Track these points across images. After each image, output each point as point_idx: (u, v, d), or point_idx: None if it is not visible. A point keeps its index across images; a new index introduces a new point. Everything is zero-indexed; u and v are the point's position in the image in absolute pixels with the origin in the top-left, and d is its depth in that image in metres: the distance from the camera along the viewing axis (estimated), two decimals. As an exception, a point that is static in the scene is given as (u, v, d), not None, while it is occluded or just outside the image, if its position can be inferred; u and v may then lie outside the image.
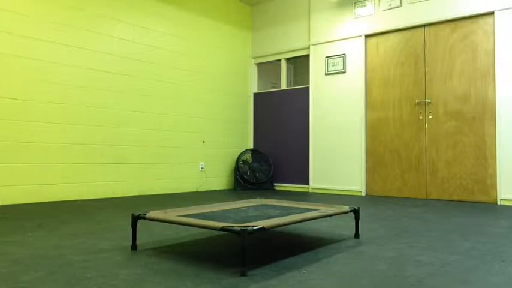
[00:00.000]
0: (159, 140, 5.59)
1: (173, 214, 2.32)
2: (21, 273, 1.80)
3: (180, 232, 2.76)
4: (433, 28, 5.15)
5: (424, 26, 5.21)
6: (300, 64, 7.42)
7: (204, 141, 6.19)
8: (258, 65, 7.13)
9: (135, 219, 2.26)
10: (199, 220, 2.10)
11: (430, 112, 5.13)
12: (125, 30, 5.24)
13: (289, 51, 6.60)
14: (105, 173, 4.98)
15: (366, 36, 5.69)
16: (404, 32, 5.37)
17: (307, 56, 6.36)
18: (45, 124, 4.48)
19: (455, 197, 4.91)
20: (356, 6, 5.77)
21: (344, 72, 5.85)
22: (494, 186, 4.65)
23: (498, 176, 4.60)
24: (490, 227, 3.07)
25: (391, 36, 5.48)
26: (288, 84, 6.75)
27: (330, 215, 2.49)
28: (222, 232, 2.73)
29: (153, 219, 2.19)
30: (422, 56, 5.21)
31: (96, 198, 4.87)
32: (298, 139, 6.34)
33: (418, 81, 5.23)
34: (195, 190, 6.03)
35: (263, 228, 1.92)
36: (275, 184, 6.56)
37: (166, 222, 2.19)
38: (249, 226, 1.87)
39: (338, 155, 5.86)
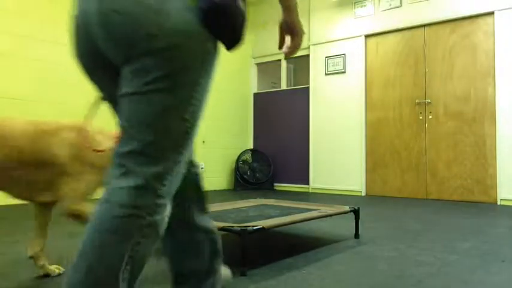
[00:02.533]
0: (159, 140, 5.58)
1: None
2: (21, 273, 1.80)
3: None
4: (433, 28, 5.15)
5: (424, 26, 5.21)
6: (300, 64, 7.41)
7: (204, 141, 6.19)
8: (258, 65, 7.13)
9: (135, 219, 2.25)
10: (199, 220, 2.10)
11: (430, 112, 5.13)
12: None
13: (289, 51, 6.58)
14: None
15: (366, 36, 5.69)
16: (404, 32, 5.37)
17: (307, 56, 6.36)
18: (45, 124, 4.47)
19: (455, 197, 4.91)
20: (356, 6, 5.77)
21: (344, 72, 5.85)
22: (494, 186, 4.65)
23: (498, 176, 4.60)
24: (490, 227, 3.07)
25: (391, 36, 5.48)
26: (288, 84, 6.76)
27: (330, 215, 2.49)
28: (222, 232, 2.73)
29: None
30: (422, 56, 5.21)
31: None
32: (298, 139, 6.34)
33: (418, 81, 5.23)
34: (195, 190, 6.03)
35: (263, 228, 1.92)
36: (275, 184, 6.56)
37: (166, 222, 2.18)
38: (249, 226, 1.88)
39: (338, 155, 5.86)
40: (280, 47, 1.21)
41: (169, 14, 0.88)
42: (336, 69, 5.94)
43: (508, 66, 4.59)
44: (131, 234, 0.86)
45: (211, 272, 1.25)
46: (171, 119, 0.91)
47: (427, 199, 5.07)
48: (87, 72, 1.06)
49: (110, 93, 1.06)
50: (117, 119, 1.02)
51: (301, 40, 1.18)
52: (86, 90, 4.82)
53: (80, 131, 1.55)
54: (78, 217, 1.52)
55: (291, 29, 1.17)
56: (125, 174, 0.89)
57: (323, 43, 6.10)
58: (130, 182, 0.88)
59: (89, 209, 1.53)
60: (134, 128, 0.91)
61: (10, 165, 1.46)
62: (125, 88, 0.92)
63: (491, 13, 4.73)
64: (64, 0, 4.65)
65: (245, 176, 6.32)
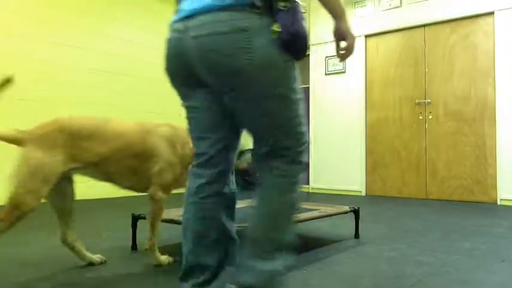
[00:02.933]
0: (159, 140, 5.58)
1: (173, 214, 2.32)
2: (21, 273, 1.80)
3: (180, 232, 2.76)
4: (433, 28, 5.15)
5: (424, 26, 5.20)
6: (300, 64, 7.41)
7: (204, 141, 6.19)
8: (258, 65, 7.12)
9: (135, 219, 2.26)
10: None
11: (430, 112, 5.13)
12: (125, 30, 5.24)
13: (289, 51, 6.58)
14: (105, 173, 4.97)
15: (366, 36, 5.69)
16: (404, 32, 5.37)
17: (307, 56, 6.36)
18: (45, 124, 4.47)
19: (455, 197, 4.91)
20: (356, 6, 5.76)
21: (344, 72, 5.84)
22: (494, 186, 4.65)
23: (498, 176, 4.60)
24: (490, 227, 3.07)
25: (391, 36, 5.47)
26: (288, 84, 6.74)
27: (330, 215, 2.49)
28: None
29: (153, 219, 2.19)
30: (422, 56, 5.21)
31: (96, 198, 4.87)
32: (298, 139, 6.33)
33: (418, 81, 5.23)
34: (195, 190, 6.03)
35: (263, 228, 1.92)
36: (275, 184, 6.55)
37: (166, 222, 2.19)
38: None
39: (338, 155, 5.86)
40: (337, 51, 1.40)
41: (257, 50, 1.15)
42: (336, 69, 5.94)
43: (508, 66, 4.59)
44: (294, 189, 1.29)
45: (218, 273, 1.32)
46: (287, 122, 1.25)
47: (427, 199, 5.06)
48: (175, 86, 1.35)
49: (191, 103, 1.33)
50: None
51: (353, 43, 1.35)
52: (86, 90, 4.82)
53: (179, 131, 1.89)
54: (157, 203, 1.85)
55: (342, 34, 1.35)
56: (272, 160, 1.28)
57: (323, 43, 6.09)
58: (281, 161, 1.27)
59: (167, 197, 1.87)
60: (265, 136, 1.27)
61: (122, 155, 1.77)
62: (244, 116, 1.26)
63: (491, 13, 4.73)
64: (65, 0, 4.65)
65: (245, 176, 6.32)
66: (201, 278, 1.30)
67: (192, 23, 1.20)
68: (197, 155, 1.37)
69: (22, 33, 4.31)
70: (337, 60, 5.93)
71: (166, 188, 1.83)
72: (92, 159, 1.72)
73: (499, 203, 4.59)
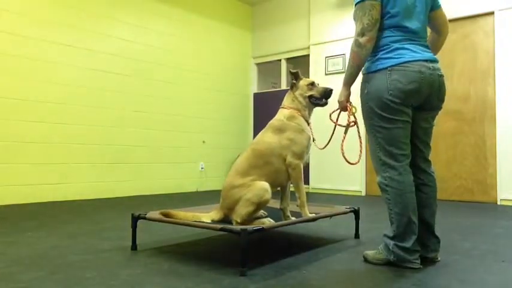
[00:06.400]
0: (159, 140, 5.59)
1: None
2: (21, 273, 1.80)
3: (180, 232, 2.76)
4: (433, 28, 5.14)
5: (424, 26, 5.20)
6: (300, 64, 7.41)
7: (204, 141, 6.19)
8: (258, 65, 7.13)
9: (135, 219, 2.26)
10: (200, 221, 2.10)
11: (430, 112, 5.12)
12: (125, 30, 5.24)
13: (289, 51, 6.59)
14: (105, 173, 4.98)
15: (366, 36, 5.68)
16: (404, 32, 5.35)
17: (307, 56, 6.36)
18: (45, 124, 4.47)
19: (455, 197, 4.91)
20: (356, 6, 5.75)
21: (344, 72, 5.83)
22: (494, 186, 4.64)
23: (498, 176, 4.60)
24: (490, 227, 3.07)
25: (391, 36, 5.46)
26: (288, 84, 6.75)
27: (330, 216, 2.49)
28: (222, 232, 2.73)
29: (153, 219, 2.19)
30: (422, 56, 5.20)
31: (96, 198, 4.86)
32: (298, 139, 6.33)
33: (418, 81, 5.22)
34: (195, 190, 6.03)
35: (263, 229, 1.92)
36: (275, 184, 6.55)
37: (166, 223, 2.19)
38: (249, 226, 1.88)
39: (338, 155, 5.84)
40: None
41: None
42: (336, 69, 5.94)
43: (508, 66, 4.59)
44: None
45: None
46: None
47: (427, 199, 5.05)
48: (404, 104, 1.92)
49: (405, 118, 1.95)
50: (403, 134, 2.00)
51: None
52: (85, 90, 4.82)
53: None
54: (294, 169, 2.32)
55: None
56: (430, 163, 2.08)
57: (323, 43, 6.09)
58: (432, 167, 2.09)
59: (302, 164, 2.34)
60: (429, 145, 2.08)
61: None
62: (428, 124, 2.08)
63: (491, 13, 4.73)
64: (64, 0, 4.64)
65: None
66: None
67: (436, 65, 2.01)
68: (407, 155, 1.96)
69: (22, 33, 4.31)
70: (337, 59, 5.93)
71: (297, 157, 2.34)
72: None
73: (499, 203, 4.59)
